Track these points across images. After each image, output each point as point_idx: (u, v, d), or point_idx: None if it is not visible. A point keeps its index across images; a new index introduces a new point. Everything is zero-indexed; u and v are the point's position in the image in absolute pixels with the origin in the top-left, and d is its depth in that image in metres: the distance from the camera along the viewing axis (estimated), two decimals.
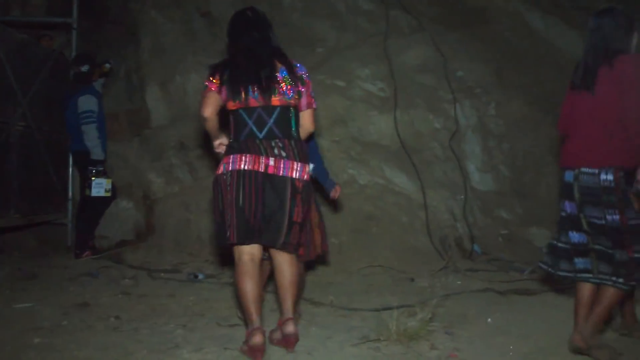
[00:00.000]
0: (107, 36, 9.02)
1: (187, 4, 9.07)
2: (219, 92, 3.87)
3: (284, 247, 3.88)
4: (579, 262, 3.95)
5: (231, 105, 3.86)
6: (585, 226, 3.90)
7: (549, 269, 4.14)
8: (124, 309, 4.96)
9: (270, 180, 3.78)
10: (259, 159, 3.77)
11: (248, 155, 3.78)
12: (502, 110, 8.60)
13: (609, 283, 3.82)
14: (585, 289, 3.99)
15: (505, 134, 8.52)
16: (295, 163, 3.84)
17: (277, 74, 3.86)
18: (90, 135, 6.99)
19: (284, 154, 3.81)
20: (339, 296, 5.50)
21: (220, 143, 4.03)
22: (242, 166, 3.77)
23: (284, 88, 3.85)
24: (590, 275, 3.92)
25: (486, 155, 8.38)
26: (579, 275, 3.96)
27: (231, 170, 3.80)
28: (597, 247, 3.88)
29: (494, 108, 8.59)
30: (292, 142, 3.87)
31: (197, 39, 8.91)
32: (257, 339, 3.71)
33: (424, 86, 8.48)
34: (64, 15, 7.94)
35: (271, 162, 3.78)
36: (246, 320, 3.89)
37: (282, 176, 3.80)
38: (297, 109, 3.95)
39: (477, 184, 8.19)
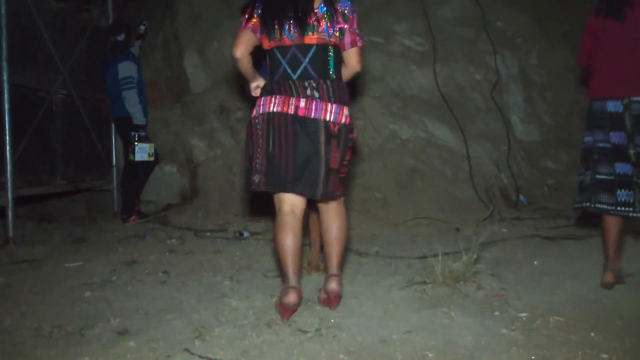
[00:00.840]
0: (143, 6, 9.07)
1: None
2: (254, 30, 3.61)
3: (324, 198, 3.65)
4: (622, 194, 3.91)
5: (266, 45, 3.62)
6: (632, 157, 3.86)
7: (585, 204, 4.09)
8: (171, 265, 5.04)
9: (301, 123, 3.51)
10: (288, 100, 3.53)
11: (278, 96, 3.55)
12: (545, 59, 8.47)
13: None
14: (616, 225, 4.00)
15: (548, 83, 8.40)
16: (329, 105, 3.54)
17: (316, 10, 3.54)
18: (132, 101, 7.05)
19: (316, 94, 3.53)
20: (384, 247, 5.53)
21: (257, 86, 3.76)
22: (272, 108, 3.55)
23: (323, 25, 3.54)
24: (631, 209, 3.89)
25: (529, 106, 8.27)
26: (619, 208, 3.92)
27: (262, 113, 3.59)
28: None
29: (535, 57, 8.46)
30: (328, 82, 3.56)
31: (232, 4, 8.88)
32: (290, 298, 3.49)
33: (463, 39, 8.39)
34: None
35: (302, 103, 3.52)
36: (282, 275, 3.68)
37: (314, 119, 3.52)
38: (337, 48, 3.63)
39: (521, 134, 8.10)
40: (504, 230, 6.14)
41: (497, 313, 3.54)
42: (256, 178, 3.59)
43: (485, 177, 7.27)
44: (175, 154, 7.87)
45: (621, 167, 3.91)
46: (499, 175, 7.38)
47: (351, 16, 3.63)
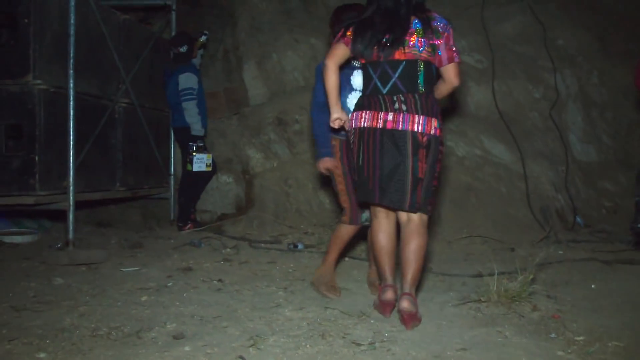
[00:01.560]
0: (204, 18, 9.22)
1: None
2: (347, 43, 3.74)
3: (412, 210, 3.69)
4: None
5: (361, 60, 3.80)
6: None
7: None
8: (226, 273, 5.09)
9: (389, 135, 3.62)
10: (377, 114, 3.65)
11: (368, 111, 3.70)
12: (605, 79, 8.34)
13: None
14: None
15: (608, 102, 8.27)
16: (416, 116, 3.59)
17: (410, 27, 3.63)
18: (191, 112, 7.15)
19: (404, 107, 3.60)
20: (438, 264, 5.49)
21: (338, 118, 3.82)
22: (362, 123, 3.71)
23: (414, 40, 3.61)
24: None
25: (588, 125, 8.15)
26: None
27: (354, 128, 3.77)
28: None
29: (596, 76, 8.34)
30: (416, 96, 3.62)
31: (292, 17, 8.99)
32: (389, 295, 3.79)
33: (523, 56, 8.32)
34: None
35: (390, 116, 3.62)
36: (379, 275, 3.97)
37: (402, 130, 3.59)
38: (428, 64, 3.66)
39: (579, 154, 7.99)
40: (560, 252, 6.03)
41: (553, 335, 3.49)
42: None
43: (541, 197, 7.18)
44: (231, 164, 7.96)
45: None
46: (556, 195, 7.28)
47: (446, 33, 3.65)
